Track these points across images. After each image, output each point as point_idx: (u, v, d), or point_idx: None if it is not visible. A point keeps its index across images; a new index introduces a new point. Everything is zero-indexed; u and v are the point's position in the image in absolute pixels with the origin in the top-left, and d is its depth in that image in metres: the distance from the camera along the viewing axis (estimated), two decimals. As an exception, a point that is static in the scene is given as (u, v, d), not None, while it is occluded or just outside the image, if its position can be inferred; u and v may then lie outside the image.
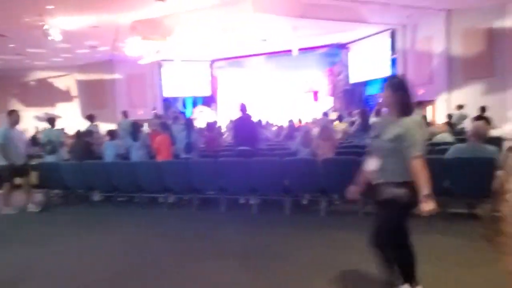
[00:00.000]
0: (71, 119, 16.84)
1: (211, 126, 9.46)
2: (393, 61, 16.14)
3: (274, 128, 12.21)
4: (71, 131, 11.00)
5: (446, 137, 6.87)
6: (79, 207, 6.89)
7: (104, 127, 11.05)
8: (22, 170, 6.57)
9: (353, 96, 17.68)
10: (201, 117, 17.60)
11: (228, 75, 20.90)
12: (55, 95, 19.11)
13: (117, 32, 12.94)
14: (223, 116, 18.05)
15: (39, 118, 16.14)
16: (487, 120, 8.67)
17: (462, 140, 5.50)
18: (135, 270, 3.79)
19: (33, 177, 6.88)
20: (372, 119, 8.29)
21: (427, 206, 2.41)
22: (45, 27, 10.51)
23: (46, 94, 18.79)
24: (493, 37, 12.53)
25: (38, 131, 14.07)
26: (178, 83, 20.04)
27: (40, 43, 12.52)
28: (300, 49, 15.66)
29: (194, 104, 20.64)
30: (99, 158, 7.28)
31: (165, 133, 6.85)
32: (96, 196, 6.98)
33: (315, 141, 6.15)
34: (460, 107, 11.21)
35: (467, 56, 12.84)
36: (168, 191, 6.29)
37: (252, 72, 20.15)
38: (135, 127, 7.34)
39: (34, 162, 7.32)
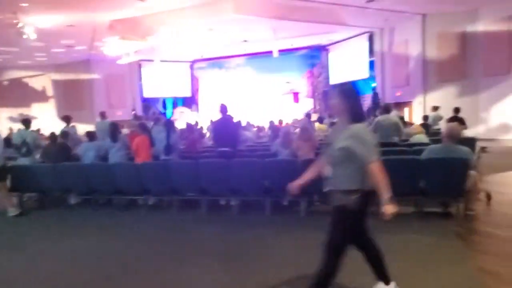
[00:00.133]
0: (47, 120, 16.43)
1: (191, 127, 9.40)
2: (371, 63, 16.46)
3: (255, 129, 12.24)
4: (47, 132, 10.72)
5: (422, 138, 7.02)
6: (55, 210, 6.70)
7: (82, 128, 10.82)
8: None
9: (333, 98, 17.88)
10: (182, 118, 17.48)
11: (209, 76, 20.85)
12: (30, 96, 18.61)
13: (94, 31, 12.71)
14: (204, 117, 17.98)
15: (13, 119, 15.68)
16: (461, 121, 8.89)
17: (438, 141, 5.65)
18: (112, 274, 3.72)
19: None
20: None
21: (389, 209, 2.45)
22: (19, 25, 10.21)
23: (21, 94, 18.27)
24: (466, 40, 12.96)
25: (11, 132, 13.63)
26: (158, 84, 19.85)
27: (14, 42, 12.16)
28: (281, 51, 15.78)
29: (175, 105, 20.47)
30: (76, 160, 7.12)
31: (144, 134, 6.76)
32: (73, 199, 6.81)
33: (295, 142, 6.19)
34: (435, 108, 11.44)
35: (442, 59, 13.23)
36: (147, 193, 6.20)
37: (233, 73, 20.17)
38: (114, 128, 7.19)
39: (8, 164, 7.07)
